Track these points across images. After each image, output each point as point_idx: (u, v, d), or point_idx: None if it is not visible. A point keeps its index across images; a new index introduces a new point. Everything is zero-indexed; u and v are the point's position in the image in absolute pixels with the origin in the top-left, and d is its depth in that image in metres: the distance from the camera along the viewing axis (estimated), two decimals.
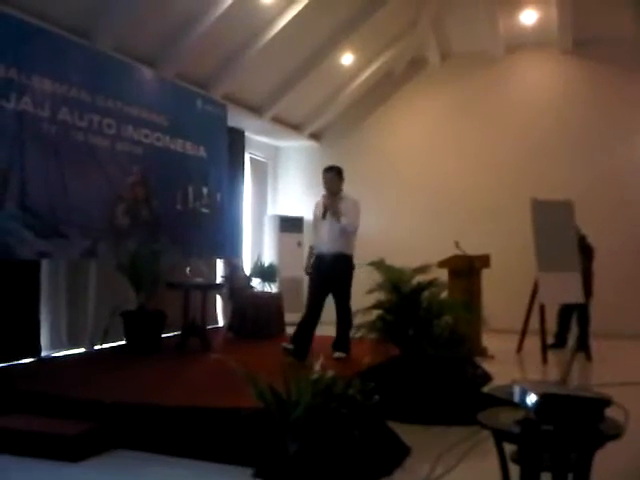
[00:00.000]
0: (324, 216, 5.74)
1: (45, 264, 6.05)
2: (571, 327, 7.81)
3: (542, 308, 7.19)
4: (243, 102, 8.72)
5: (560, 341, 7.81)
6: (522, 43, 9.48)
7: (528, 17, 8.88)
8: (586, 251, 7.51)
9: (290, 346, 5.50)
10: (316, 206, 5.92)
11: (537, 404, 2.44)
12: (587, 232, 7.65)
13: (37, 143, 5.48)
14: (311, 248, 5.98)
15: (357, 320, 5.38)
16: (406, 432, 3.94)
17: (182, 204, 7.30)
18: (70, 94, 5.81)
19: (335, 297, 5.75)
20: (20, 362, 5.51)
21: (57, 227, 5.65)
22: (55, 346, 6.20)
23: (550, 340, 7.44)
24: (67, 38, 5.88)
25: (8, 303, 5.54)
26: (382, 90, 10.37)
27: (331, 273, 5.67)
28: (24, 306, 5.74)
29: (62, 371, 5.29)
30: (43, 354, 5.91)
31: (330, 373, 3.55)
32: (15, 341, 5.57)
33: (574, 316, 7.67)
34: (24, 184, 5.34)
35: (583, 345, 7.20)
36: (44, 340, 6.03)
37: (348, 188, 10.37)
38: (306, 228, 10.48)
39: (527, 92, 9.68)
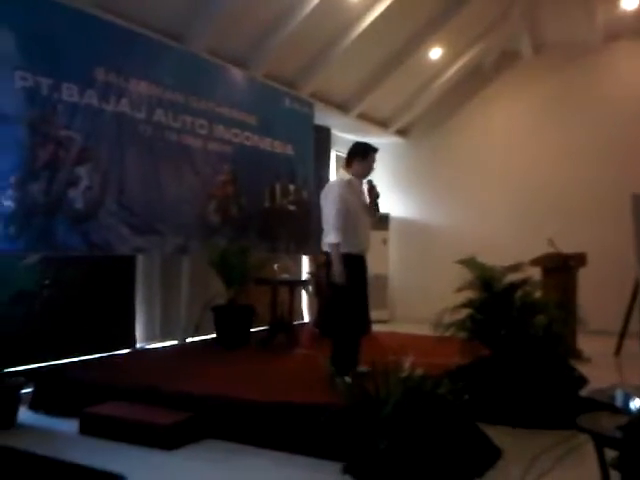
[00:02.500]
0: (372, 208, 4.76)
1: (140, 260, 6.30)
2: None
3: None
4: (330, 100, 8.75)
5: None
6: (622, 31, 8.98)
7: (629, 2, 8.40)
8: None
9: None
10: (347, 193, 4.58)
11: None
12: None
13: (134, 144, 5.72)
14: (337, 246, 4.49)
15: (446, 319, 5.27)
16: (497, 434, 3.84)
17: (270, 201, 7.43)
18: (165, 96, 6.03)
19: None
20: (116, 353, 5.78)
21: (152, 224, 5.88)
22: (149, 338, 6.46)
23: None
24: (162, 42, 6.11)
25: (107, 296, 5.82)
26: (471, 85, 10.14)
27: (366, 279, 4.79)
28: (121, 299, 6.01)
29: (156, 363, 5.50)
30: (138, 346, 6.17)
31: (419, 371, 3.51)
32: (112, 333, 5.85)
33: None
34: (122, 183, 5.59)
35: None
36: (139, 332, 6.29)
37: (435, 184, 10.30)
38: (392, 225, 10.43)
39: (628, 84, 9.18)
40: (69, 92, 5.15)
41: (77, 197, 5.20)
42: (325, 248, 4.63)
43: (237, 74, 7.04)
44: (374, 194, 4.72)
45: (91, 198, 5.31)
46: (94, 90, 5.35)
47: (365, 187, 4.77)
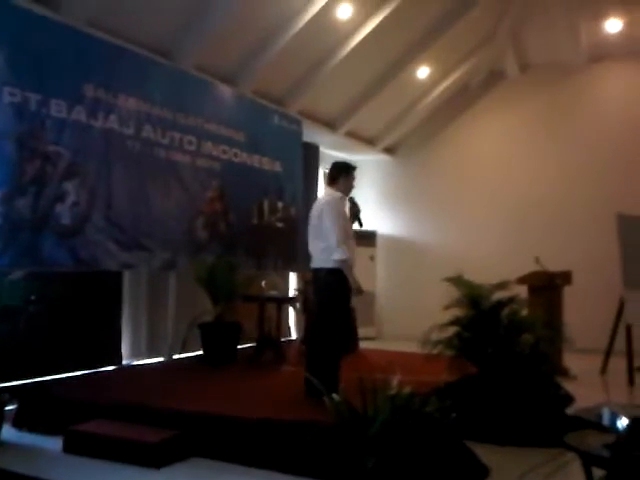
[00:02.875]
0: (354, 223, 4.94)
1: (127, 275, 6.27)
2: None
3: (629, 328, 6.87)
4: (318, 117, 8.81)
5: None
6: (606, 52, 9.14)
7: (613, 26, 8.56)
8: None
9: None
10: (343, 210, 4.74)
11: (629, 428, 2.32)
12: None
13: (122, 160, 5.72)
14: (347, 261, 4.55)
15: (434, 337, 5.28)
16: (484, 452, 3.84)
17: (258, 218, 7.44)
18: (153, 112, 6.04)
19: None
20: (102, 370, 5.72)
21: (140, 240, 5.87)
22: (135, 355, 6.41)
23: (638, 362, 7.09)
24: (150, 58, 6.13)
25: (93, 312, 5.78)
26: (458, 104, 10.25)
27: None
28: (107, 316, 5.97)
29: (142, 380, 5.45)
30: (124, 362, 6.11)
31: (407, 390, 3.51)
32: (98, 349, 5.80)
33: None
34: (110, 199, 5.58)
35: None
36: (125, 349, 6.24)
37: (421, 201, 10.35)
38: (379, 242, 10.45)
39: (611, 103, 9.31)
40: (57, 108, 5.15)
41: (64, 212, 5.18)
42: (315, 264, 4.69)
43: (226, 91, 7.07)
44: (356, 210, 4.96)
45: (78, 213, 5.29)
46: (82, 106, 5.36)
47: (347, 204, 4.90)
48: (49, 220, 5.07)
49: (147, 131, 5.98)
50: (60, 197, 5.16)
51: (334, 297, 4.55)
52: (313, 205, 4.88)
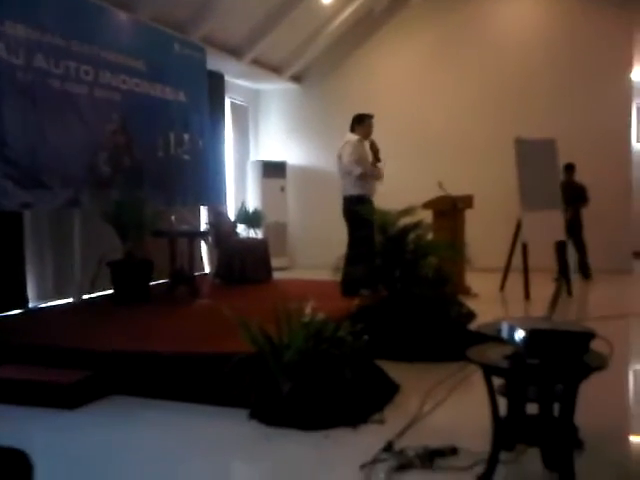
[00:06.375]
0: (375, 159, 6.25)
1: (28, 215, 5.99)
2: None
3: (525, 246, 7.31)
4: (222, 45, 8.51)
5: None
6: None
7: None
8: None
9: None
10: (360, 148, 6.13)
11: (525, 339, 2.51)
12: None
13: (13, 92, 5.34)
14: (364, 175, 6.09)
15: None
16: (395, 370, 4.05)
17: (164, 151, 7.21)
18: (44, 40, 5.63)
19: None
20: (7, 314, 5.53)
21: (38, 177, 5.57)
22: (42, 297, 6.21)
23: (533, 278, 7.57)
24: None
25: None
26: (362, 30, 10.17)
27: None
28: (8, 258, 5.71)
29: (51, 321, 5.31)
30: (30, 305, 5.92)
31: (320, 316, 3.62)
32: (1, 293, 5.57)
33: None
34: (3, 134, 5.23)
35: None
36: (31, 291, 6.03)
37: (330, 130, 10.34)
38: (289, 172, 10.43)
39: (513, 27, 9.54)
40: None
41: None
42: (342, 194, 6.17)
43: (122, 16, 6.67)
44: (374, 149, 6.24)
45: None
46: None
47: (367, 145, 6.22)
48: None
49: (39, 60, 5.59)
50: None
51: (357, 217, 5.67)
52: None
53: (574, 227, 8.25)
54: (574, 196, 8.21)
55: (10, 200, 5.32)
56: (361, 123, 6.22)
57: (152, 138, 7.03)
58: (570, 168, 8.27)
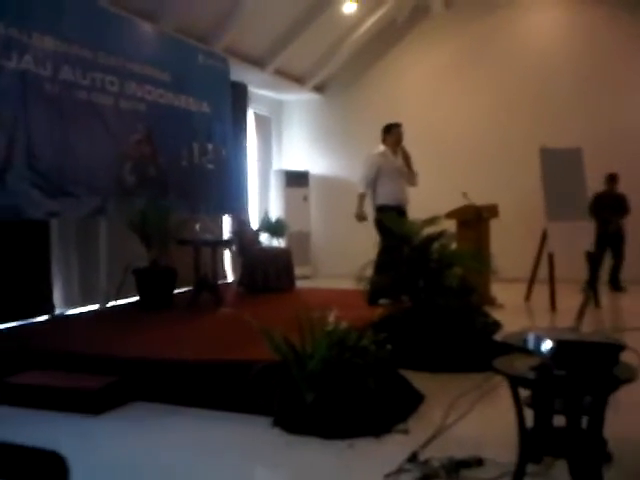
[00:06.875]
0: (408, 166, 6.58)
1: (55, 223, 6.08)
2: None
3: (551, 257, 7.22)
4: (245, 55, 8.58)
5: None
6: None
7: None
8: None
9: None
10: (380, 160, 6.44)
11: (553, 350, 2.47)
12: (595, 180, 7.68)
13: (41, 103, 5.44)
14: (363, 196, 6.52)
15: (368, 273, 5.41)
16: (419, 380, 4.01)
17: (188, 161, 7.27)
18: (71, 52, 5.73)
19: None
20: (34, 320, 5.59)
21: (64, 186, 5.65)
22: (69, 304, 6.28)
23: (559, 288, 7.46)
24: None
25: (20, 263, 5.58)
26: (385, 40, 10.18)
27: None
28: (36, 265, 5.79)
29: (77, 328, 5.38)
30: (57, 312, 5.99)
31: (344, 325, 3.60)
32: (29, 300, 5.65)
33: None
34: (30, 145, 5.32)
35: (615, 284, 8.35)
36: (57, 298, 6.11)
37: (352, 140, 10.34)
38: (312, 182, 10.45)
39: (535, 38, 9.47)
40: None
41: None
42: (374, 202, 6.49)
43: (146, 28, 6.77)
44: (405, 156, 6.50)
45: None
46: None
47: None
48: None
49: (66, 72, 5.68)
50: None
51: (383, 227, 5.81)
52: None
53: (616, 239, 8.12)
54: (616, 207, 8.09)
55: (38, 209, 5.40)
56: (389, 132, 6.49)
57: (176, 148, 7.10)
58: (613, 179, 8.15)
